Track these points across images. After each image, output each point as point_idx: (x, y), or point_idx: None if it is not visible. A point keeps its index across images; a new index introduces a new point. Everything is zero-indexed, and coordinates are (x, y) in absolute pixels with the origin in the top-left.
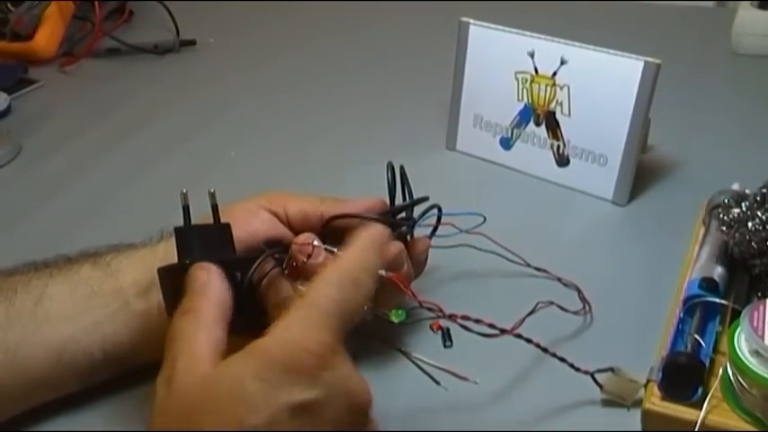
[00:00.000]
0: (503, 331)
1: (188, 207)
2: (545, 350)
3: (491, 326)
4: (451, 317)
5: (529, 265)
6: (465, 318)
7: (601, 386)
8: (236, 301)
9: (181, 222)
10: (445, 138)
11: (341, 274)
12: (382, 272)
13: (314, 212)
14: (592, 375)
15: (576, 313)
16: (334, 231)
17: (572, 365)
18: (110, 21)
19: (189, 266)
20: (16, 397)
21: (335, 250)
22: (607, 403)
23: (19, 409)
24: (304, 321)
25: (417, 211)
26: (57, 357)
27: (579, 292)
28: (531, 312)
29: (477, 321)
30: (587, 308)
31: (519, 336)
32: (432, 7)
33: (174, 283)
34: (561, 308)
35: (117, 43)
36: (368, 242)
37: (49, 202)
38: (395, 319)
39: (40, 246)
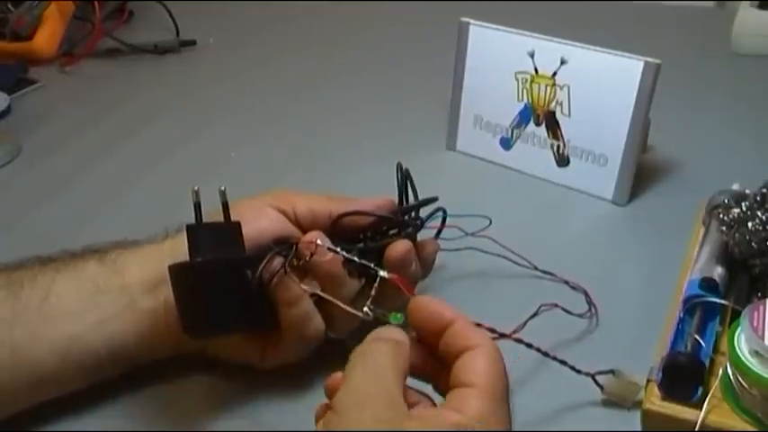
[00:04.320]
0: (502, 335)
1: (199, 204)
2: (546, 354)
3: (491, 329)
4: None
5: (536, 268)
6: None
7: (601, 387)
8: (246, 300)
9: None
10: (445, 138)
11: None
12: (384, 273)
13: (323, 211)
14: (593, 377)
15: (581, 316)
16: (342, 230)
17: (572, 368)
18: (110, 21)
19: (200, 265)
20: (22, 393)
21: (338, 249)
22: (608, 404)
23: (24, 405)
24: None
25: (423, 212)
26: (63, 355)
27: (587, 295)
28: (534, 315)
29: (478, 325)
30: (593, 310)
31: (519, 340)
32: (432, 7)
33: (184, 280)
34: (565, 310)
35: (117, 43)
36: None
37: (49, 203)
38: (392, 322)
39: (41, 246)
